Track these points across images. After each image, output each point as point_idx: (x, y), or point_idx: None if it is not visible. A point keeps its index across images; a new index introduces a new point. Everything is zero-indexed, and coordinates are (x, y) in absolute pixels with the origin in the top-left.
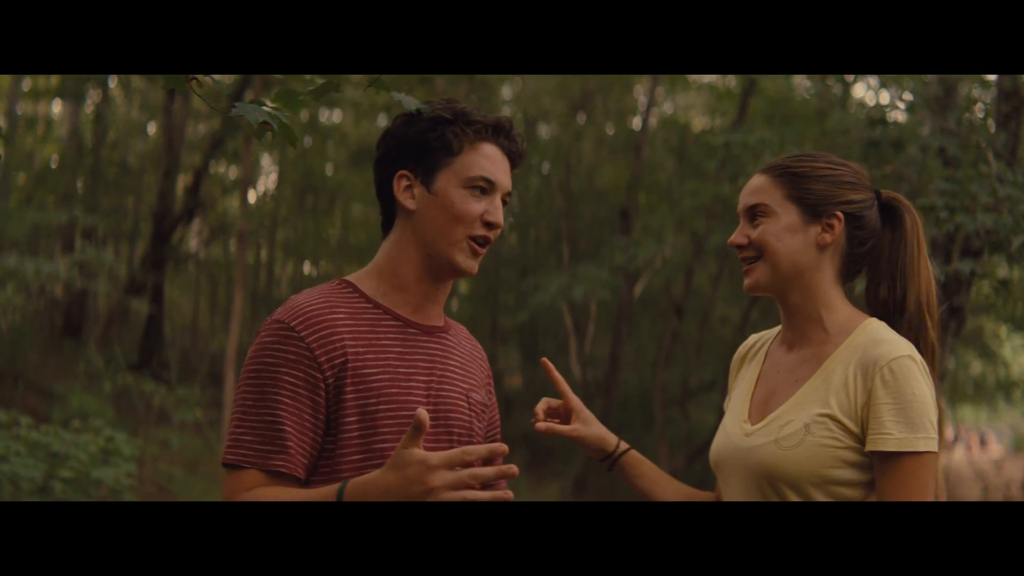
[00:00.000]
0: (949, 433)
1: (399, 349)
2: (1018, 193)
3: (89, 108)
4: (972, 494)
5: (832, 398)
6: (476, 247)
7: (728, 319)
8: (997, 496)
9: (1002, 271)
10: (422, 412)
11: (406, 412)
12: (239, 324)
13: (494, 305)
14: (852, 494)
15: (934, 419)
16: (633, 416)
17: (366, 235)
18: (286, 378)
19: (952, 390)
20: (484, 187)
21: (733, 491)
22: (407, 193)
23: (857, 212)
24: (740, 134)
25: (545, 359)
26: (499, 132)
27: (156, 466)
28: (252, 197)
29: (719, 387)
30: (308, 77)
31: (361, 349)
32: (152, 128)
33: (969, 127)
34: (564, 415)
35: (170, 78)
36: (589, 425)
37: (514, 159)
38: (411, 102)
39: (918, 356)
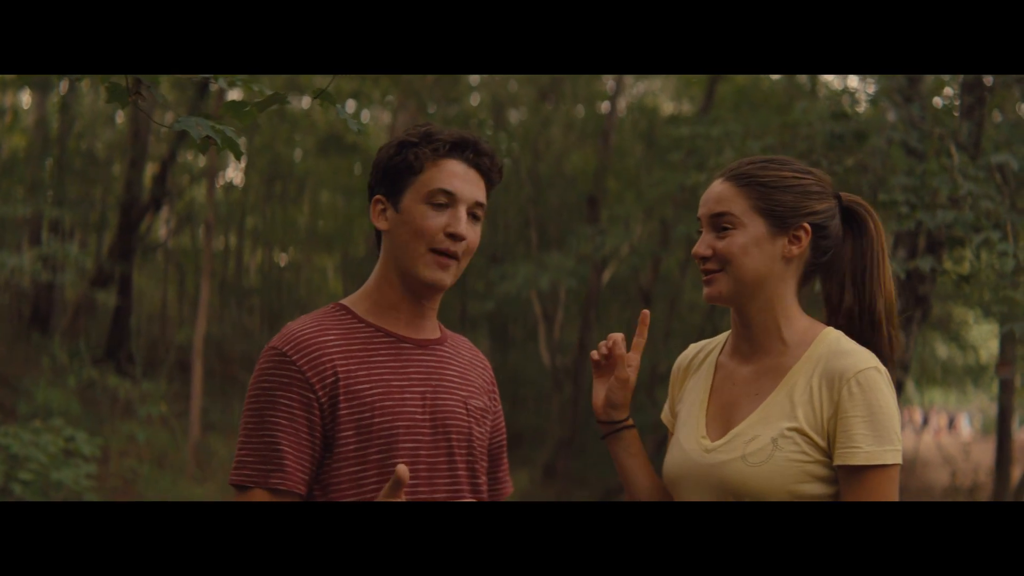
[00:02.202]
0: (917, 417)
1: (393, 364)
2: (979, 188)
3: (56, 98)
4: (941, 478)
5: (799, 411)
6: (441, 259)
7: (696, 305)
8: (965, 480)
9: (967, 265)
10: (401, 468)
11: (401, 423)
12: (206, 313)
13: (463, 292)
14: None
15: (898, 430)
16: None
17: (334, 222)
18: (282, 401)
19: (920, 374)
20: (443, 200)
21: None
22: (381, 216)
23: (823, 222)
24: (704, 125)
25: (647, 312)
26: (461, 147)
27: (121, 461)
28: (221, 182)
29: None
30: (257, 88)
31: (353, 367)
32: (120, 117)
33: (934, 117)
34: (612, 365)
35: (113, 93)
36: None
37: (485, 172)
38: (354, 123)
39: (883, 367)
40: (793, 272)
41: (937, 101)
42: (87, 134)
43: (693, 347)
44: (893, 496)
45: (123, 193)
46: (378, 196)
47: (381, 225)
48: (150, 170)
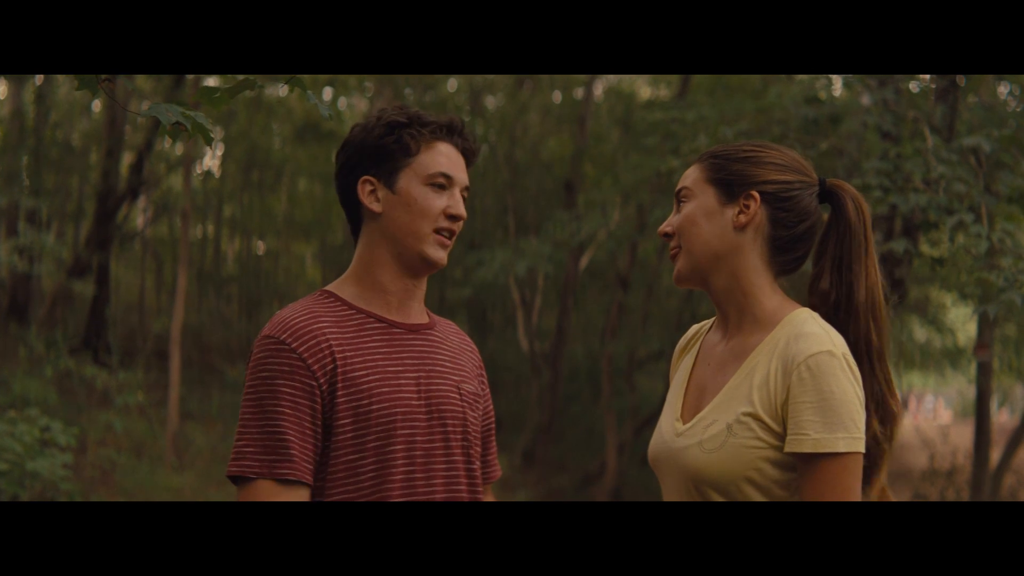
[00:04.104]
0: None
1: (386, 349)
2: (952, 171)
3: (31, 88)
4: (919, 461)
5: (755, 395)
6: (443, 239)
7: (673, 290)
8: (944, 463)
9: (945, 248)
10: None
11: (398, 409)
12: (183, 302)
13: (441, 278)
14: (781, 493)
15: (858, 418)
16: (581, 388)
17: (312, 210)
18: (284, 389)
19: (898, 357)
20: (443, 183)
21: (669, 492)
22: (372, 197)
23: (780, 192)
24: (678, 110)
25: None
26: (452, 131)
27: (99, 451)
28: (199, 170)
29: (666, 357)
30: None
31: (349, 353)
32: (96, 107)
33: (908, 101)
34: None
35: (82, 80)
36: None
37: (468, 156)
38: (325, 108)
39: (841, 351)
40: (753, 245)
41: (912, 85)
42: (63, 124)
43: (694, 327)
44: (850, 486)
45: (100, 183)
46: (367, 177)
47: (373, 207)
48: (127, 159)
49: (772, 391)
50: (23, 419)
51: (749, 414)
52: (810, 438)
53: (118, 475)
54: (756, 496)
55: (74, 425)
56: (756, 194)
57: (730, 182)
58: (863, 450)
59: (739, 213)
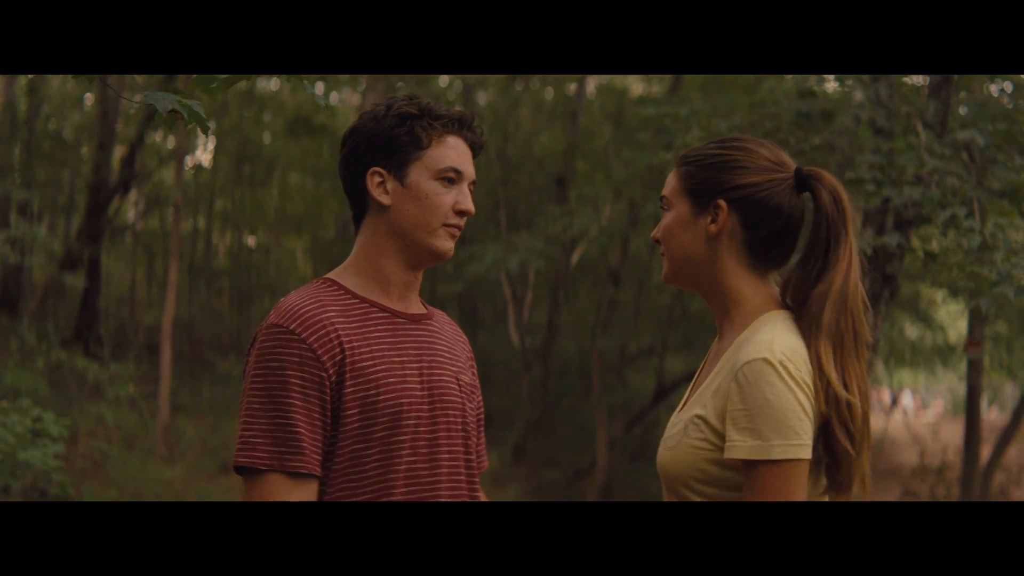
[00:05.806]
0: (886, 397)
1: (390, 339)
2: (945, 166)
3: (23, 81)
4: (910, 458)
5: (709, 399)
6: (452, 231)
7: (664, 286)
8: (934, 460)
9: (935, 242)
10: None
11: (404, 400)
12: (175, 295)
13: (433, 272)
14: (731, 495)
15: (797, 424)
16: (571, 383)
17: (303, 204)
18: (294, 380)
19: (888, 354)
20: (453, 177)
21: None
22: (380, 189)
23: (747, 197)
24: (671, 105)
25: None
26: (463, 125)
27: (90, 442)
28: (190, 163)
29: (656, 353)
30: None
31: (356, 343)
32: (89, 99)
33: (901, 96)
34: None
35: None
36: None
37: (475, 149)
38: (321, 97)
39: (778, 358)
40: (729, 250)
41: (906, 80)
42: (55, 117)
43: None
44: (791, 492)
45: (91, 175)
46: (376, 168)
47: (382, 199)
48: (118, 152)
49: (722, 396)
50: (15, 409)
51: (701, 417)
52: (746, 445)
53: (109, 467)
54: (702, 496)
55: (65, 416)
56: (723, 203)
57: (699, 192)
58: (806, 456)
59: (711, 222)
